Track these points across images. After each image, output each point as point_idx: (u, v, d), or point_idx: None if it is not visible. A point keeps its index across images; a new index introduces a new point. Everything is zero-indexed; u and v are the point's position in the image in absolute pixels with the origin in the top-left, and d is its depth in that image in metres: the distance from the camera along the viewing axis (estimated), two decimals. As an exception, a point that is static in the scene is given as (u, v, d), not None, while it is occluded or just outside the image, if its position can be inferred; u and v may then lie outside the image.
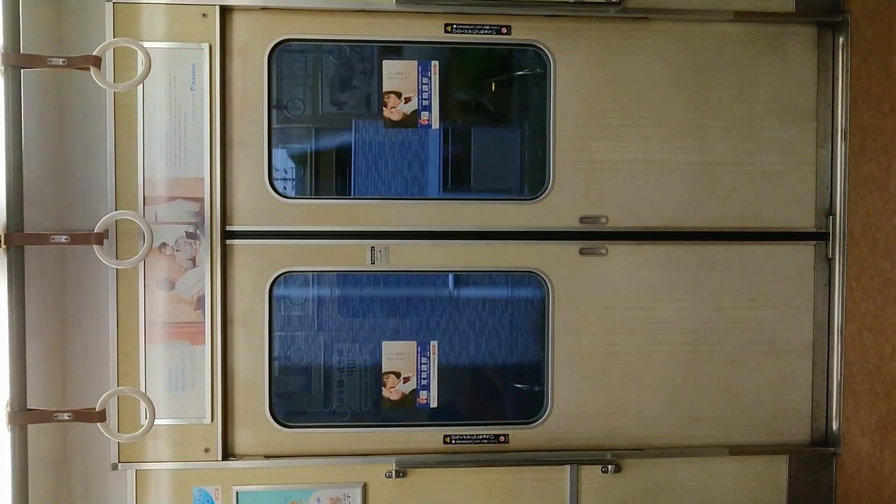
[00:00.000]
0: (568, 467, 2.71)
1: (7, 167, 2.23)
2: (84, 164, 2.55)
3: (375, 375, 2.88)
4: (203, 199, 2.56)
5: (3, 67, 2.21)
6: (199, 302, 2.57)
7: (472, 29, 2.69)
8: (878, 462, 2.57)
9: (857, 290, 2.71)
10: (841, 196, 2.77)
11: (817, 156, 2.80)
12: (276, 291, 2.70)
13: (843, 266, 2.77)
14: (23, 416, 2.24)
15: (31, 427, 2.29)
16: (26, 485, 2.26)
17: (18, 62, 2.24)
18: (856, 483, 2.69)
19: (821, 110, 2.80)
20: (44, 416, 2.28)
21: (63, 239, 2.28)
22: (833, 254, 2.79)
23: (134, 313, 2.55)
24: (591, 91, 2.73)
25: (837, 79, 2.77)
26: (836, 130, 2.78)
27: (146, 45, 2.41)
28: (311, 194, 3.24)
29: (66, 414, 2.28)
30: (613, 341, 2.77)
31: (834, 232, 2.79)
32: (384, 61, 2.78)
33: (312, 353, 3.21)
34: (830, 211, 2.81)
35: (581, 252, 2.75)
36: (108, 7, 2.50)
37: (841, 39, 2.76)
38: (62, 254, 2.53)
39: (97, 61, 2.29)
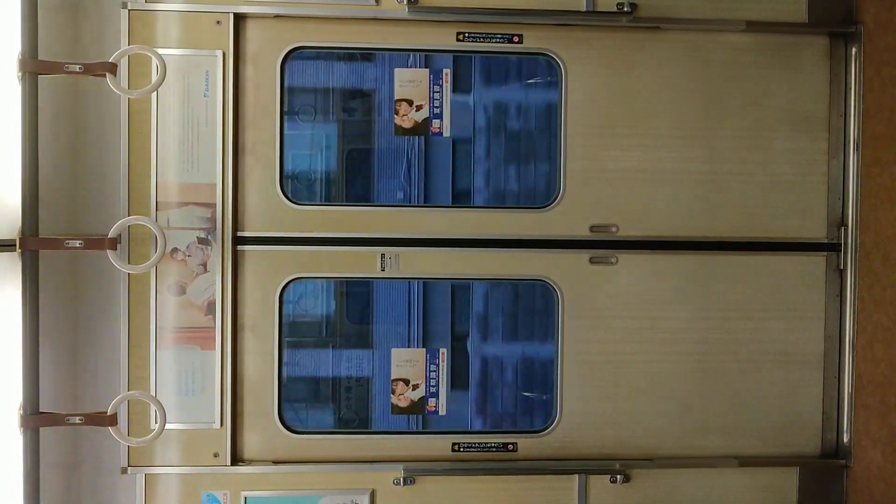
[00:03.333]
0: (576, 476, 2.70)
1: (23, 172, 2.25)
2: (98, 169, 2.58)
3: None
4: (215, 204, 2.58)
5: (20, 73, 2.23)
6: (210, 307, 2.59)
7: (483, 37, 2.70)
8: (890, 475, 2.55)
9: (868, 301, 2.69)
10: (853, 207, 2.76)
11: (829, 166, 2.80)
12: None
13: (854, 277, 2.75)
14: (35, 419, 2.26)
15: (42, 430, 2.30)
16: (38, 487, 2.28)
17: (36, 68, 2.26)
18: (866, 496, 2.67)
19: (833, 121, 2.79)
20: (56, 420, 2.29)
21: (77, 244, 2.30)
22: (844, 265, 2.78)
23: (145, 318, 2.56)
24: (603, 100, 2.73)
25: (850, 89, 2.76)
26: (849, 141, 2.77)
27: (160, 51, 2.43)
28: (321, 200, 3.25)
29: (77, 417, 2.29)
30: (623, 350, 2.76)
31: (846, 243, 2.78)
32: (396, 69, 2.80)
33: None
34: (842, 222, 2.79)
35: (591, 261, 2.75)
36: (124, 14, 2.52)
37: (854, 50, 2.75)
38: (75, 258, 2.55)
39: (113, 68, 2.31)
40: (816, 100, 2.78)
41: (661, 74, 2.74)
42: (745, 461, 2.76)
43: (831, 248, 2.80)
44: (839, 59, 2.78)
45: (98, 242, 2.34)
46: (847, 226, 2.78)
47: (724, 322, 2.78)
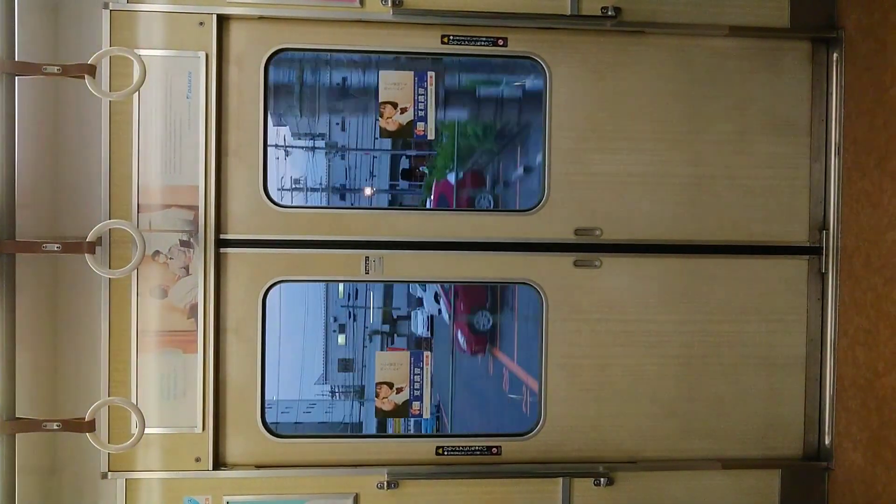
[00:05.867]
0: (560, 480, 2.70)
1: None
2: (78, 171, 2.55)
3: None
4: (197, 207, 2.56)
5: (-3, 74, 2.21)
6: (192, 310, 2.56)
7: (468, 41, 2.69)
8: (871, 477, 2.57)
9: (849, 305, 2.71)
10: (834, 211, 2.78)
11: (811, 170, 2.82)
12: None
13: (836, 281, 2.78)
14: (11, 424, 2.23)
15: (20, 435, 2.27)
16: (13, 493, 2.25)
17: (13, 70, 2.24)
18: (848, 498, 2.69)
19: (815, 125, 2.81)
20: (32, 426, 2.26)
21: (55, 247, 2.28)
22: (826, 268, 2.80)
23: (126, 321, 2.54)
24: (587, 104, 2.74)
25: (831, 94, 2.78)
26: (830, 145, 2.79)
27: (143, 52, 2.40)
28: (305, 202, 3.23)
29: (55, 423, 2.27)
30: (607, 353, 2.77)
31: (827, 247, 2.80)
32: (381, 72, 2.79)
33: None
34: (824, 225, 2.81)
35: (575, 264, 2.75)
36: (105, 15, 2.50)
37: (835, 55, 2.77)
38: (54, 261, 2.52)
39: (92, 70, 2.29)
40: (798, 104, 2.80)
41: (645, 78, 2.75)
42: (728, 464, 2.77)
43: (813, 251, 2.82)
44: (821, 64, 2.80)
45: (76, 246, 2.31)
46: (828, 229, 2.80)
47: (708, 325, 2.80)
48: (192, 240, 2.56)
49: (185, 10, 2.54)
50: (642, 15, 2.70)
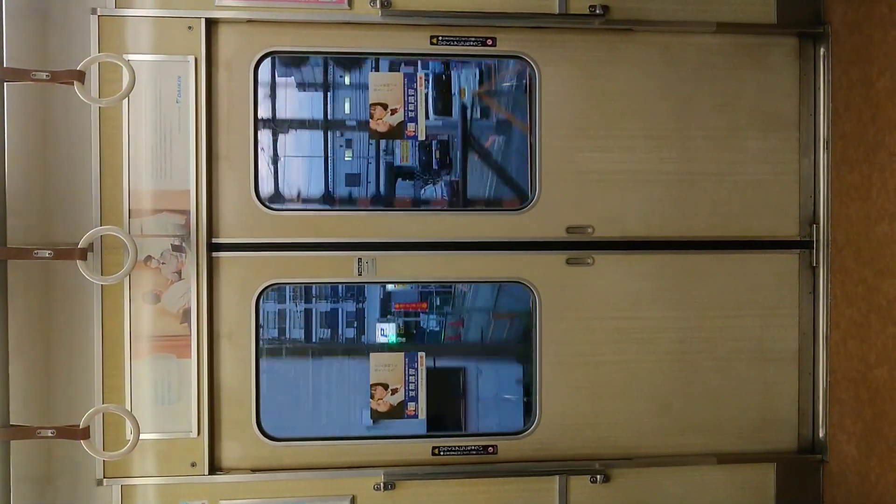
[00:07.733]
0: (556, 477, 2.71)
1: (-11, 180, 2.22)
2: (69, 177, 2.54)
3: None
4: (189, 211, 2.55)
5: (-15, 81, 2.20)
6: (185, 315, 2.56)
7: (457, 41, 2.70)
8: (865, 469, 2.58)
9: (840, 298, 2.73)
10: (824, 205, 2.80)
11: (800, 165, 2.83)
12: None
13: (826, 274, 2.79)
14: (5, 432, 2.23)
15: (15, 443, 2.27)
16: (8, 502, 2.24)
17: (1, 75, 2.23)
18: (843, 490, 2.71)
19: (803, 120, 2.83)
20: (26, 433, 2.26)
21: (46, 254, 2.27)
22: (817, 262, 2.82)
23: (119, 327, 2.53)
24: (577, 102, 2.75)
25: (819, 89, 2.80)
26: (819, 140, 2.81)
27: (132, 57, 2.40)
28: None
29: (49, 430, 2.26)
30: (601, 351, 2.78)
31: (818, 240, 2.82)
32: (371, 73, 2.80)
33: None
34: (814, 220, 2.83)
35: (568, 262, 2.76)
36: (94, 20, 2.50)
37: (822, 50, 2.79)
38: (46, 268, 2.51)
39: (81, 76, 2.28)
40: (786, 99, 2.82)
41: (634, 76, 2.76)
42: (724, 458, 2.78)
43: (803, 245, 2.84)
44: (808, 60, 2.82)
45: (68, 252, 2.31)
46: (818, 223, 2.82)
47: (701, 321, 2.81)
48: (184, 244, 2.55)
49: (173, 14, 2.54)
50: (630, 13, 2.71)
